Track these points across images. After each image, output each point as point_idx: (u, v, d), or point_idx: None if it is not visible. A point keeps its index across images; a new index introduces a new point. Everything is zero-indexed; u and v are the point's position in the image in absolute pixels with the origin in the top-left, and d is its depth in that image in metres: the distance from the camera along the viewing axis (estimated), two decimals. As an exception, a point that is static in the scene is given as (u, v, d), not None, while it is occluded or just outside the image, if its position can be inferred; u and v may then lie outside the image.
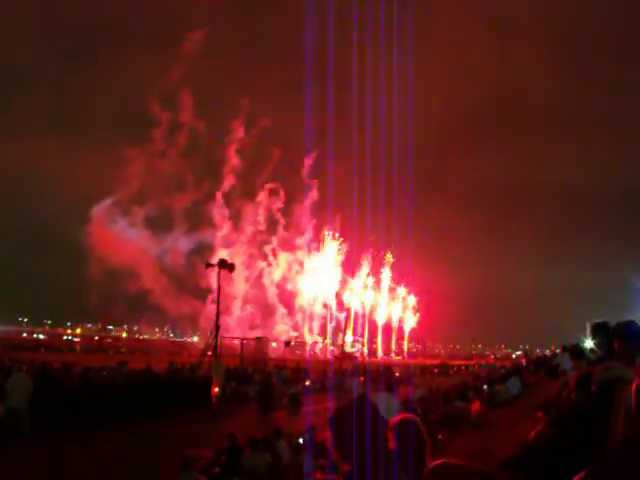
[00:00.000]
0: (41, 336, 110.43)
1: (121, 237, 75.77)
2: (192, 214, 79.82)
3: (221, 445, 12.10)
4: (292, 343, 77.47)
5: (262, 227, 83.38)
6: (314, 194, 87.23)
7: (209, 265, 34.52)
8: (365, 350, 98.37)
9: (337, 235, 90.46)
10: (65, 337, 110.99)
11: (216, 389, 24.02)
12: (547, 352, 50.72)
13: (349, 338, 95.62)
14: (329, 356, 73.77)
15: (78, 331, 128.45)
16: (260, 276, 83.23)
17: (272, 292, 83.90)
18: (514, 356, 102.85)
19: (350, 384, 25.09)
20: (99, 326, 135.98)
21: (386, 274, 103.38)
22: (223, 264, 31.37)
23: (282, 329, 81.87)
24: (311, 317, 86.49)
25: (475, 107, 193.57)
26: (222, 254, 61.53)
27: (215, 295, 62.61)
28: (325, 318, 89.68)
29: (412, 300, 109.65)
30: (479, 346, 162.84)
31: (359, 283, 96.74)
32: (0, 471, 11.11)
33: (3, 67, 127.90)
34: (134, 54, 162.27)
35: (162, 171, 77.67)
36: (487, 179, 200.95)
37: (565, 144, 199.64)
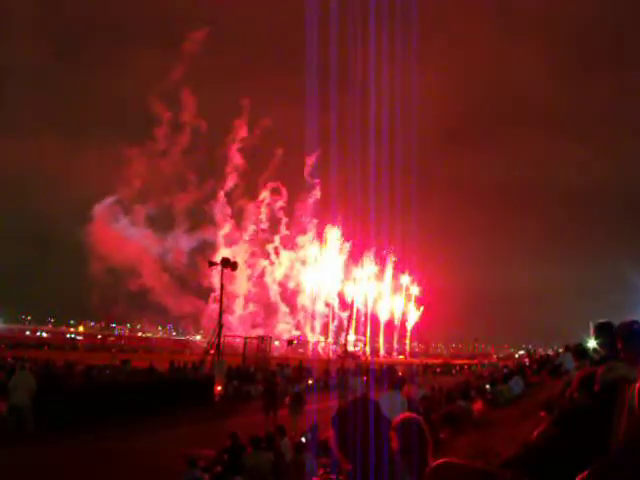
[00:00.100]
0: (44, 334, 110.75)
1: (123, 236, 75.92)
2: (194, 213, 80.00)
3: (223, 444, 12.12)
4: (294, 342, 77.63)
5: (264, 226, 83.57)
6: (316, 193, 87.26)
7: (212, 264, 34.60)
8: (367, 349, 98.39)
9: (339, 234, 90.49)
10: (68, 335, 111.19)
11: (218, 388, 24.05)
12: (550, 352, 50.67)
13: (351, 337, 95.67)
14: (331, 355, 73.78)
15: (81, 329, 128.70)
16: (262, 275, 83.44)
17: (274, 291, 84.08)
18: (517, 355, 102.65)
19: (353, 383, 25.07)
20: (102, 324, 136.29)
21: (389, 267, 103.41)
22: (226, 263, 31.42)
23: (284, 328, 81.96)
24: (313, 316, 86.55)
25: (475, 107, 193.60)
26: (224, 253, 61.70)
27: (217, 293, 62.80)
28: (327, 317, 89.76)
29: (415, 290, 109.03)
30: (481, 345, 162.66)
31: (362, 273, 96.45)
32: (3, 469, 11.13)
33: (3, 67, 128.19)
34: (134, 54, 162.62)
35: (164, 170, 77.79)
36: (489, 179, 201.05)
37: (565, 144, 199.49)
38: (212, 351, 29.73)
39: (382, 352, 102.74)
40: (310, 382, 29.97)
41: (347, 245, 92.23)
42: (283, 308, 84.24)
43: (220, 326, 29.90)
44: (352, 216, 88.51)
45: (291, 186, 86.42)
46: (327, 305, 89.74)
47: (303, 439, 12.02)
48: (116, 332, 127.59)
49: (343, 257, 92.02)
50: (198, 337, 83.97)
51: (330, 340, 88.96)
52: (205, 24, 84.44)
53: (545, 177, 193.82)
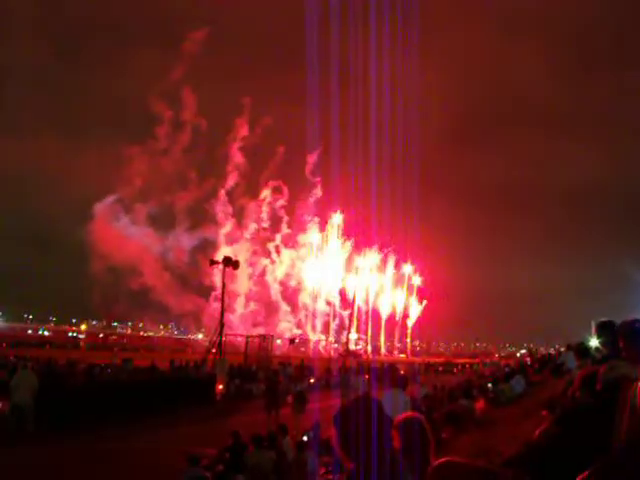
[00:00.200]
0: (46, 333, 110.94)
1: (123, 234, 75.94)
2: (195, 212, 79.96)
3: (225, 443, 12.13)
4: (296, 341, 77.64)
5: (265, 224, 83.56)
6: (318, 191, 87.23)
7: (214, 262, 34.61)
8: (369, 348, 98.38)
9: (340, 233, 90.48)
10: (70, 334, 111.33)
11: (220, 386, 24.07)
12: (552, 351, 50.65)
13: (353, 336, 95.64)
14: (333, 354, 73.78)
15: (83, 328, 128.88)
16: (263, 273, 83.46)
17: (275, 289, 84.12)
18: (519, 355, 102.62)
19: (354, 382, 25.07)
20: (104, 323, 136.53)
21: (390, 261, 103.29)
22: (228, 261, 31.41)
23: (285, 327, 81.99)
24: (314, 314, 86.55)
25: (475, 107, 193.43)
26: (225, 251, 61.56)
27: (218, 292, 62.81)
28: (328, 315, 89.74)
29: (417, 280, 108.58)
30: (483, 344, 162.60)
31: (365, 262, 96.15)
32: (5, 468, 11.14)
33: (3, 67, 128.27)
34: (135, 54, 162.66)
35: (164, 169, 77.74)
36: (489, 179, 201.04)
37: (565, 144, 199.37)
38: (214, 350, 29.76)
39: (383, 351, 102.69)
40: (312, 381, 29.99)
41: (348, 244, 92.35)
42: (284, 307, 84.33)
43: (222, 325, 29.92)
44: (353, 214, 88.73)
45: (292, 185, 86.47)
46: (328, 304, 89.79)
47: (305, 438, 12.02)
48: (118, 331, 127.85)
49: (345, 252, 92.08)
50: (200, 336, 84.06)
51: (331, 339, 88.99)
52: (205, 24, 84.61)
53: (545, 177, 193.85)
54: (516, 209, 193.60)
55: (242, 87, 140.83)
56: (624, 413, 2.03)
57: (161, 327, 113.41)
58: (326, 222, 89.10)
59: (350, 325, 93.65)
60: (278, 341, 62.55)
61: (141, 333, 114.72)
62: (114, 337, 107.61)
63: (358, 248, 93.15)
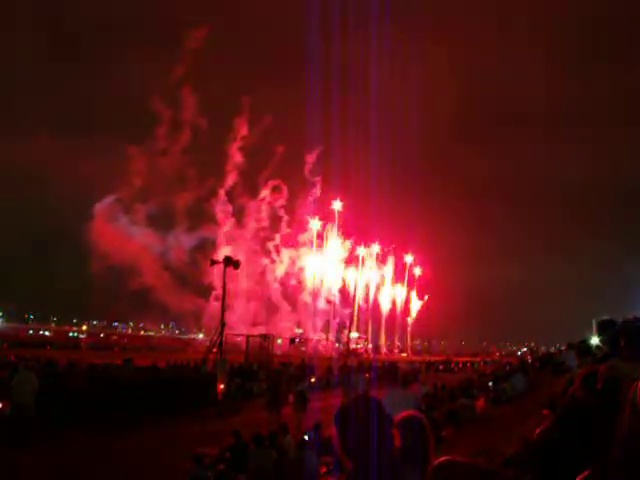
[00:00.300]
0: (47, 333, 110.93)
1: (123, 234, 75.92)
2: (194, 211, 79.94)
3: (226, 442, 12.15)
4: (297, 340, 77.69)
5: (265, 224, 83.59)
6: (317, 191, 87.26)
7: (214, 262, 34.59)
8: (370, 346, 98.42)
9: (340, 229, 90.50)
10: (71, 334, 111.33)
11: (221, 386, 24.07)
12: (553, 349, 50.68)
13: (354, 335, 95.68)
14: (333, 353, 73.82)
15: (84, 328, 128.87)
16: (263, 273, 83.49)
17: (275, 289, 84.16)
18: (519, 353, 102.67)
19: (355, 381, 25.07)
20: (104, 323, 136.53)
21: (390, 259, 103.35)
22: (228, 261, 31.37)
23: (285, 326, 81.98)
24: (314, 314, 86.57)
25: (475, 107, 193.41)
26: (225, 251, 61.57)
27: (217, 292, 62.76)
28: (328, 315, 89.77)
29: (418, 271, 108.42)
30: (484, 343, 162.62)
31: (365, 252, 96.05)
32: (5, 468, 11.15)
33: (3, 67, 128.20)
34: (135, 53, 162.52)
35: (164, 168, 77.67)
36: (489, 178, 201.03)
37: (565, 144, 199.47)
38: (215, 349, 29.76)
39: (384, 349, 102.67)
40: (313, 380, 30.00)
41: (348, 243, 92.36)
42: (284, 306, 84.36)
43: (222, 324, 29.92)
44: (353, 208, 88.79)
45: (292, 184, 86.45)
46: (328, 302, 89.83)
47: (306, 437, 12.03)
48: (119, 331, 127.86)
49: (345, 251, 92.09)
50: (201, 335, 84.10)
51: (332, 338, 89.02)
52: (205, 23, 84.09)
53: (545, 177, 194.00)
54: (516, 208, 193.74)
55: (242, 86, 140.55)
56: (625, 412, 2.02)
57: (162, 327, 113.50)
58: (326, 220, 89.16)
59: (351, 324, 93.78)
60: (279, 340, 62.55)
61: (142, 333, 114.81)
62: (115, 337, 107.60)
63: (358, 242, 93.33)
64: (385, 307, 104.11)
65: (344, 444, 2.32)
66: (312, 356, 57.44)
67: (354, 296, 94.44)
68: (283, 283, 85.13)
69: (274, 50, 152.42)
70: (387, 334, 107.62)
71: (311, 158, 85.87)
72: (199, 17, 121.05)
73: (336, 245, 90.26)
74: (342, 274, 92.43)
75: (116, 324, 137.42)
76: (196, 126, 78.14)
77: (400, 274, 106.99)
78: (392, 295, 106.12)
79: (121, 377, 21.42)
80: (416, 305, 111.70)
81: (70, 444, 13.86)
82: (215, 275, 61.39)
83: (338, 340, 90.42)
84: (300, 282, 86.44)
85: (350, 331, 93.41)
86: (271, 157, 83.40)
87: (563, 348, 25.81)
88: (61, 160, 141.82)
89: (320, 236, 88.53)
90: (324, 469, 10.34)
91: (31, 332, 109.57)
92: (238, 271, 37.33)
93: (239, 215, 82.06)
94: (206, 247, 77.29)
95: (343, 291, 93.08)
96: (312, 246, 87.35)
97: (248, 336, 41.32)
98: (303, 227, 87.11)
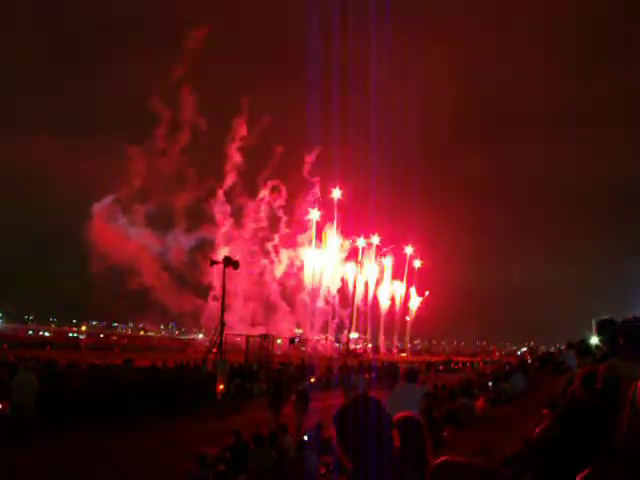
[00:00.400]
0: (47, 334, 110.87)
1: (122, 235, 75.90)
2: (193, 212, 79.92)
3: (226, 442, 12.15)
4: (296, 340, 77.68)
5: (264, 224, 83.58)
6: (316, 191, 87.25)
7: (214, 263, 34.58)
8: (369, 346, 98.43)
9: (339, 229, 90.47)
10: (70, 335, 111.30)
11: (221, 386, 24.08)
12: (552, 349, 50.67)
13: (354, 335, 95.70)
14: (333, 353, 73.82)
15: (83, 328, 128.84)
16: (262, 273, 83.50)
17: (274, 289, 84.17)
18: (519, 353, 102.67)
19: (356, 381, 25.08)
20: (104, 323, 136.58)
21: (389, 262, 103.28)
22: (228, 262, 31.36)
23: (284, 326, 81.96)
24: (313, 314, 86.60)
25: (475, 107, 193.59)
26: (223, 251, 61.54)
27: (216, 292, 62.64)
28: (327, 314, 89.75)
29: (418, 263, 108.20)
30: (484, 343, 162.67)
31: (365, 243, 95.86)
32: (5, 469, 11.15)
33: (3, 67, 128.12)
34: (135, 54, 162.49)
35: (163, 169, 77.63)
36: (489, 178, 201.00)
37: (565, 144, 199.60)
38: (214, 349, 29.75)
39: (383, 349, 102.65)
40: (312, 380, 29.99)
41: (347, 243, 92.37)
42: (283, 306, 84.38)
43: (222, 324, 29.91)
44: (353, 213, 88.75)
45: (290, 184, 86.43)
46: (327, 302, 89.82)
47: (306, 437, 12.03)
48: (118, 331, 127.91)
49: (344, 252, 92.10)
50: (200, 336, 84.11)
51: (331, 338, 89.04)
52: (205, 23, 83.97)
53: (545, 177, 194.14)
54: (516, 208, 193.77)
55: (241, 87, 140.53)
56: (624, 412, 2.02)
57: (162, 327, 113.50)
58: (324, 211, 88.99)
59: (350, 324, 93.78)
60: (278, 341, 62.55)
61: (141, 333, 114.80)
62: (114, 337, 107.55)
63: (358, 234, 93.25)
64: (384, 304, 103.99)
65: (344, 444, 2.33)
66: (312, 356, 57.47)
67: (353, 293, 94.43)
68: (282, 283, 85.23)
69: (274, 50, 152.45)
70: (386, 334, 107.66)
71: (310, 158, 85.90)
72: (199, 17, 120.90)
73: (335, 243, 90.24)
74: (341, 274, 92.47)
75: (116, 324, 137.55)
76: (195, 126, 78.10)
77: (400, 268, 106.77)
78: (391, 291, 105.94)
79: (121, 377, 21.42)
80: (416, 302, 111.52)
81: (70, 444, 13.86)
82: (214, 275, 61.45)
83: (337, 340, 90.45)
84: (300, 280, 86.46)
85: (350, 331, 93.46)
86: (270, 157, 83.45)
87: (563, 348, 25.81)
88: (61, 160, 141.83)
89: (319, 229, 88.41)
90: (323, 470, 10.35)
91: (31, 332, 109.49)
92: (237, 271, 37.31)
93: (238, 215, 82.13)
94: (205, 247, 77.41)
95: (342, 291, 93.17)
96: (311, 240, 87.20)
97: (248, 336, 41.31)
98: (302, 227, 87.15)
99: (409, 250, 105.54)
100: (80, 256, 74.87)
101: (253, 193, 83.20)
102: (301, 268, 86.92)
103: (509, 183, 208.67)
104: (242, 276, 71.83)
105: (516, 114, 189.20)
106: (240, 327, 62.37)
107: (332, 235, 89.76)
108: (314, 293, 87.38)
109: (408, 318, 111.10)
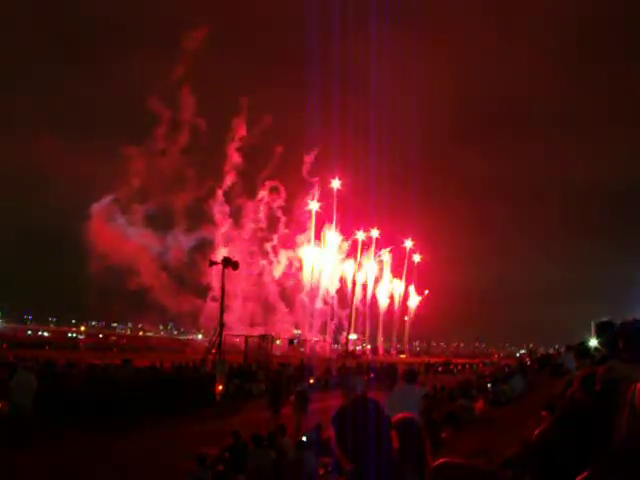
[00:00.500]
0: (46, 334, 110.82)
1: (121, 235, 75.83)
2: (193, 212, 79.86)
3: (225, 442, 12.15)
4: (295, 341, 77.66)
5: (263, 224, 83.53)
6: (315, 191, 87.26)
7: (213, 263, 34.56)
8: (368, 347, 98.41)
9: (338, 231, 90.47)
10: (69, 335, 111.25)
11: (220, 387, 24.08)
12: (551, 351, 50.68)
13: (352, 336, 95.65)
14: (331, 354, 73.81)
15: (82, 329, 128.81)
16: (261, 274, 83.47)
17: (273, 290, 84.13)
18: (518, 355, 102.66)
19: (355, 382, 25.07)
20: (103, 324, 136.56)
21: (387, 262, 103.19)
22: (227, 262, 31.34)
23: (283, 327, 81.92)
24: (312, 314, 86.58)
25: (478, 107, 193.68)
26: (223, 252, 61.54)
27: (215, 292, 62.56)
28: (326, 315, 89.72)
29: (417, 258, 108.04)
30: (483, 345, 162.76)
31: (364, 236, 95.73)
32: (4, 469, 11.15)
33: (3, 67, 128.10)
34: (135, 54, 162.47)
35: (163, 169, 77.55)
36: (489, 178, 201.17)
37: (565, 144, 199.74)
38: (214, 350, 29.73)
39: (382, 351, 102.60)
40: (311, 381, 29.98)
41: (346, 244, 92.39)
42: (282, 307, 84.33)
43: (221, 325, 29.90)
44: (352, 214, 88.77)
45: (290, 185, 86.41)
46: (326, 303, 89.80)
47: (304, 438, 12.03)
48: (117, 331, 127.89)
49: (342, 253, 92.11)
50: (199, 336, 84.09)
51: (329, 339, 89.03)
52: (205, 24, 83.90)
53: (545, 177, 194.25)
54: (516, 208, 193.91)
55: (241, 87, 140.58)
56: (623, 414, 2.03)
57: (161, 327, 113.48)
58: (324, 222, 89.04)
59: (349, 325, 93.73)
60: (277, 341, 62.50)
61: (140, 333, 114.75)
62: (114, 338, 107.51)
63: (357, 228, 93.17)
64: (383, 303, 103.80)
65: (343, 445, 2.33)
66: (311, 357, 57.48)
67: (352, 293, 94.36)
68: (281, 284, 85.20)
69: (274, 50, 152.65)
70: (385, 335, 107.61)
71: (310, 159, 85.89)
72: (199, 17, 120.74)
73: (334, 241, 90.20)
74: (340, 273, 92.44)
75: (115, 325, 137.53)
76: (195, 126, 78.03)
77: (399, 266, 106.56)
78: (390, 289, 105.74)
79: (120, 377, 21.41)
80: (415, 301, 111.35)
81: (70, 444, 13.86)
82: (213, 276, 61.45)
83: (336, 341, 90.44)
84: (298, 281, 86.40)
85: (349, 332, 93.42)
86: (270, 158, 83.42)
87: (562, 350, 25.81)
88: (61, 160, 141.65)
89: (318, 223, 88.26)
90: (322, 471, 10.34)
91: (30, 332, 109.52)
92: (236, 272, 37.28)
93: (237, 216, 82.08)
94: (204, 248, 77.34)
95: (341, 291, 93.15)
96: (310, 236, 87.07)
97: (247, 337, 41.31)
98: (301, 228, 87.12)
99: (408, 244, 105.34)
100: (80, 256, 74.89)
101: (252, 193, 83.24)
102: (300, 268, 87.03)
103: (509, 183, 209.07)
104: (241, 277, 71.79)
105: (515, 114, 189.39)
106: (239, 327, 62.29)
107: (331, 233, 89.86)
108: (313, 293, 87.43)
109: (407, 318, 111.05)
